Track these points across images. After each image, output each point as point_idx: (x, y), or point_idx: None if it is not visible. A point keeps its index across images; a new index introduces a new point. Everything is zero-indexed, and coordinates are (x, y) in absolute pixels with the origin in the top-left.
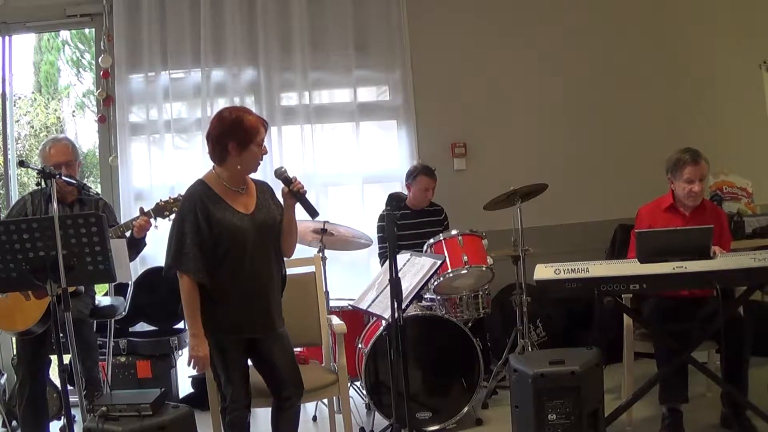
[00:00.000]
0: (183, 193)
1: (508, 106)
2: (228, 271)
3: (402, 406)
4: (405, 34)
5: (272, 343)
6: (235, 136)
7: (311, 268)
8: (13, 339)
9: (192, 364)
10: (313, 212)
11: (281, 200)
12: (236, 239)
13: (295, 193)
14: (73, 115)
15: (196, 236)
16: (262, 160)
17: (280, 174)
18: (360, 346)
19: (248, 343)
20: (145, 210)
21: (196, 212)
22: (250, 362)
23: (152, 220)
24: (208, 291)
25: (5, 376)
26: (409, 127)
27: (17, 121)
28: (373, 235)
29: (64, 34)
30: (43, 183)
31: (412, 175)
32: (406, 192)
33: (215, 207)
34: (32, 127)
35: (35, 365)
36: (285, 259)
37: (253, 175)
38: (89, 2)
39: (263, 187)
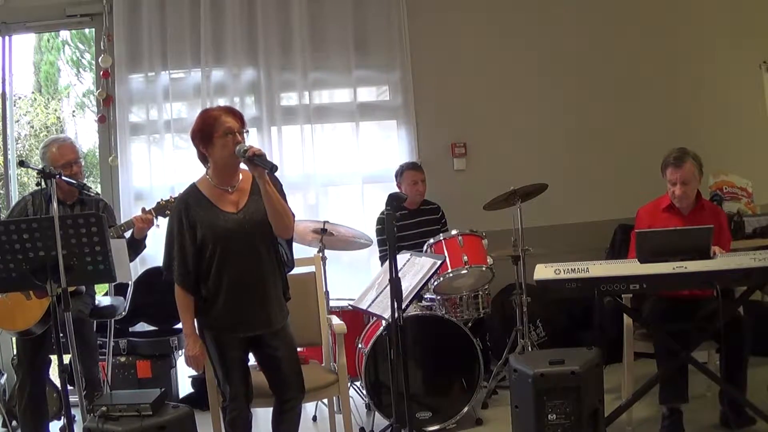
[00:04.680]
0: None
1: (508, 106)
2: (218, 270)
3: (402, 406)
4: (405, 34)
5: (275, 342)
6: (199, 135)
7: (311, 268)
8: (13, 339)
9: (187, 364)
10: (269, 167)
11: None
12: (220, 239)
13: (250, 158)
14: (73, 115)
15: (180, 243)
16: (234, 149)
17: (238, 151)
18: (360, 346)
19: (249, 341)
20: (147, 209)
21: (181, 218)
22: (252, 361)
23: (154, 219)
24: (202, 291)
25: (5, 376)
26: (409, 127)
27: (17, 121)
28: (374, 235)
29: (64, 34)
30: (43, 183)
31: (399, 174)
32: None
33: (200, 210)
34: (32, 127)
35: (35, 365)
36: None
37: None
38: (89, 2)
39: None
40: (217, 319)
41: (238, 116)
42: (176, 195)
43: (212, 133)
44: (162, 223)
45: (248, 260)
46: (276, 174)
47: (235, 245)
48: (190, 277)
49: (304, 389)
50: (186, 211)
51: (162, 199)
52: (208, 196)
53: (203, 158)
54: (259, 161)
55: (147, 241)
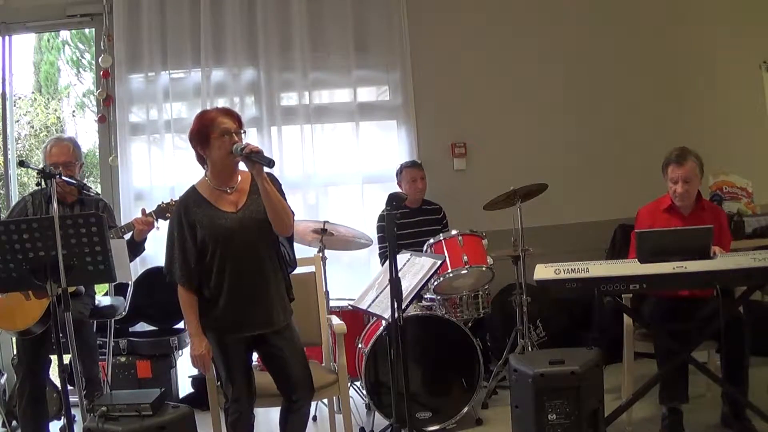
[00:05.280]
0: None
1: (508, 106)
2: (219, 271)
3: (402, 406)
4: (405, 34)
5: (279, 342)
6: (197, 137)
7: (311, 268)
8: (13, 339)
9: (193, 364)
10: (266, 162)
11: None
12: (220, 240)
13: (247, 155)
14: (73, 115)
15: (181, 245)
16: (231, 150)
17: (235, 149)
18: (360, 346)
19: (252, 341)
20: (147, 212)
21: (181, 220)
22: (255, 361)
23: (155, 222)
24: (204, 291)
25: (5, 376)
26: (409, 127)
27: (17, 121)
28: (373, 235)
29: (64, 34)
30: (43, 183)
31: (399, 173)
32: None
33: (199, 211)
34: (32, 127)
35: (35, 365)
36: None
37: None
38: (89, 2)
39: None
40: (219, 319)
41: (235, 117)
42: (176, 197)
43: (209, 134)
44: (162, 226)
45: (249, 260)
46: (275, 174)
47: (235, 245)
48: (193, 276)
49: (313, 388)
50: (186, 212)
51: (162, 202)
52: (207, 197)
53: (201, 160)
54: (256, 157)
55: (147, 242)
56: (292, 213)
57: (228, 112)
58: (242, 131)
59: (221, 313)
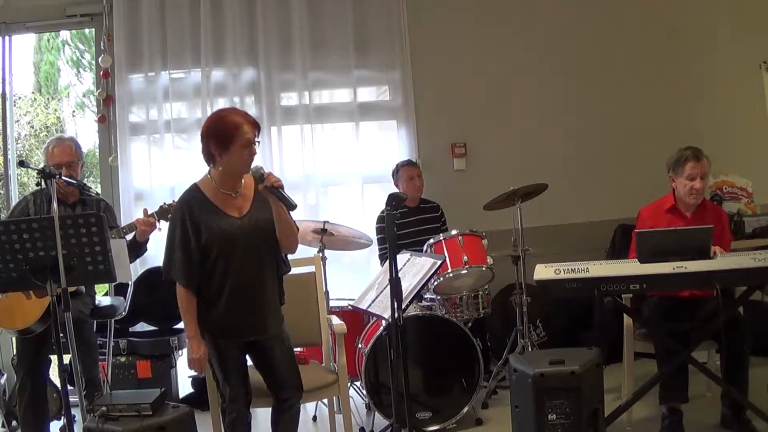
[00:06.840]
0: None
1: (508, 106)
2: (219, 275)
3: (402, 406)
4: (405, 34)
5: (271, 344)
6: (215, 137)
7: (311, 268)
8: (14, 339)
9: (190, 366)
10: (289, 205)
11: None
12: (224, 244)
13: (269, 188)
14: (73, 115)
15: (184, 245)
16: (250, 161)
17: (255, 172)
18: (360, 346)
19: (246, 343)
20: (149, 212)
21: (184, 220)
22: (250, 362)
23: (156, 223)
24: (202, 294)
25: (5, 376)
26: (409, 127)
27: (17, 121)
28: (373, 235)
29: (64, 34)
30: (42, 183)
31: (395, 173)
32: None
33: (204, 213)
34: (32, 127)
35: (35, 365)
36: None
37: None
38: (89, 2)
39: None
40: (217, 322)
41: (257, 127)
42: (177, 198)
43: (231, 140)
44: (164, 227)
45: (250, 266)
46: (276, 174)
47: (239, 251)
48: (195, 277)
49: (302, 388)
50: (190, 213)
51: (165, 203)
52: (211, 198)
53: (208, 159)
54: (278, 194)
55: (147, 247)
56: (297, 228)
57: (253, 122)
58: (257, 141)
59: (219, 317)
